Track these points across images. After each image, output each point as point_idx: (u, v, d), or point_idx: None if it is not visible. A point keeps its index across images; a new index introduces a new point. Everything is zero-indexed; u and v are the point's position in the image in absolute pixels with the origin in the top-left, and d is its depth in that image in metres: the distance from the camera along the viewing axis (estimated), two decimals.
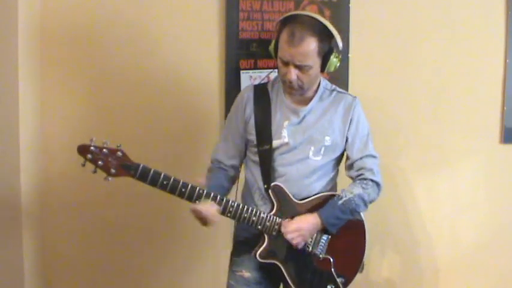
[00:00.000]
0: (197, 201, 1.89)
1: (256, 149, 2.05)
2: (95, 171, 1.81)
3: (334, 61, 2.00)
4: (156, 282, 2.69)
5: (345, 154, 2.11)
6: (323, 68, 1.99)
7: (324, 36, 1.95)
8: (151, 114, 2.59)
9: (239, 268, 2.07)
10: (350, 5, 2.57)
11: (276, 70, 2.60)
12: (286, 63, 1.95)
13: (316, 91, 2.07)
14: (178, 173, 2.57)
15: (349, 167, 2.10)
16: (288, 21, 1.96)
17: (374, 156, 2.09)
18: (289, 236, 1.95)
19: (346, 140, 2.07)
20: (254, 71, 2.56)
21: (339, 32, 2.02)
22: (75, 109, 2.59)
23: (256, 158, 2.06)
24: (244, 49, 2.56)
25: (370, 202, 2.06)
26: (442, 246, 2.73)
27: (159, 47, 2.57)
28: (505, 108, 2.66)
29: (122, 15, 2.55)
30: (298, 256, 1.99)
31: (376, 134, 2.18)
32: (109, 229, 2.64)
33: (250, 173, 2.10)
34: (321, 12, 2.54)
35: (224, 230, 2.24)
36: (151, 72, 2.57)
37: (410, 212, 2.71)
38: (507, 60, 2.64)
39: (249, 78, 2.56)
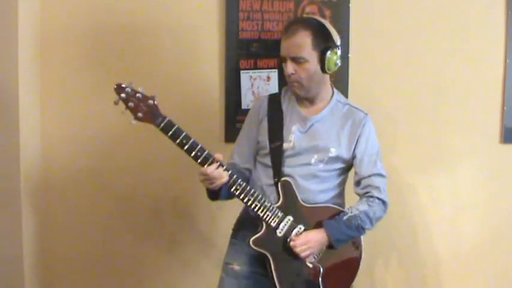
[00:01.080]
0: None
1: (264, 150, 2.09)
2: (126, 108, 1.86)
3: (333, 58, 2.01)
4: (157, 280, 2.69)
5: (354, 170, 2.13)
6: (323, 66, 2.00)
7: (319, 31, 2.00)
8: None
9: (231, 261, 2.10)
10: (350, 5, 2.56)
11: (276, 70, 2.60)
12: (285, 60, 2.02)
13: (329, 102, 2.10)
14: (177, 172, 2.58)
15: (357, 183, 2.12)
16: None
17: (382, 175, 2.11)
18: (298, 250, 1.96)
19: (355, 157, 2.09)
20: (254, 71, 2.56)
21: (339, 32, 2.02)
22: (75, 109, 2.58)
23: (262, 159, 2.10)
24: (244, 49, 2.55)
25: (377, 220, 2.08)
26: (443, 246, 2.73)
27: (158, 47, 2.57)
28: (505, 108, 2.66)
29: (121, 14, 2.55)
30: (290, 256, 2.00)
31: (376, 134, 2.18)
32: (109, 227, 2.64)
33: (255, 170, 2.14)
34: (321, 12, 2.55)
35: (226, 229, 2.25)
36: (151, 73, 2.57)
37: (410, 212, 2.71)
38: (507, 60, 2.64)
39: (249, 78, 2.56)
